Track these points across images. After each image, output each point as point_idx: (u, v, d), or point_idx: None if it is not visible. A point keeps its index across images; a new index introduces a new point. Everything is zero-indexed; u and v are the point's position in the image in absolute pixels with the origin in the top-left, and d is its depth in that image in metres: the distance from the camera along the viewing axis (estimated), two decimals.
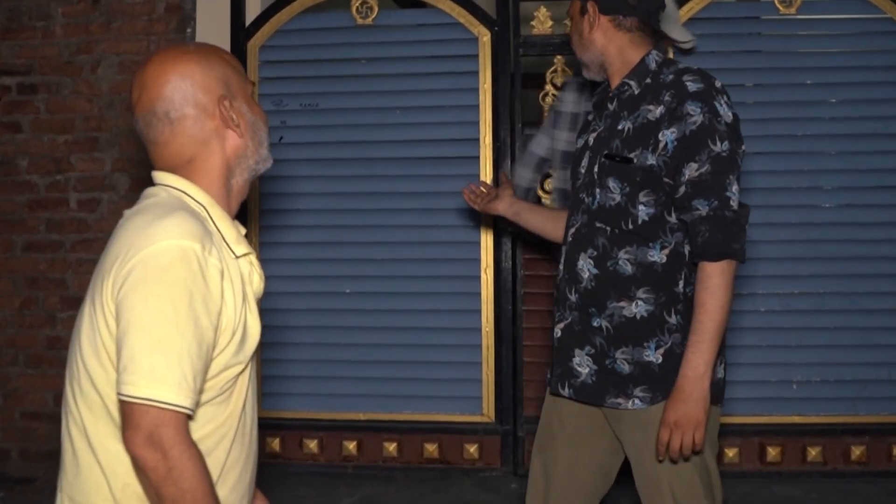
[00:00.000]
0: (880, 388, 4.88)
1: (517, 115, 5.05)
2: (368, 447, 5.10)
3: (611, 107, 2.91)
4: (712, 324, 2.66)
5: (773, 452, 4.90)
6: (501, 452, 5.04)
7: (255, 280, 2.02)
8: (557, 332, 2.95)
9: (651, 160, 2.74)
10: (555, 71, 5.07)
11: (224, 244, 1.95)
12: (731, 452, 4.91)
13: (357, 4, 5.16)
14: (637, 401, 2.79)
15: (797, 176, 4.89)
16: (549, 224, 3.33)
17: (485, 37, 5.05)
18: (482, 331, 5.02)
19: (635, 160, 2.76)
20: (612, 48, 2.91)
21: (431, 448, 5.06)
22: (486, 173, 4.99)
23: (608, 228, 2.82)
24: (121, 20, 5.43)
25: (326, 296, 5.07)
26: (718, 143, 2.69)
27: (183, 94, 1.97)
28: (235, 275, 1.93)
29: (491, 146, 4.99)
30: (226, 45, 5.21)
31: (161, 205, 1.89)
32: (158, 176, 2.00)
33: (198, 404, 1.85)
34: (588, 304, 2.85)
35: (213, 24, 5.28)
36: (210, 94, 1.98)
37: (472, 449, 5.04)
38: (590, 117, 3.10)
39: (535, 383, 5.01)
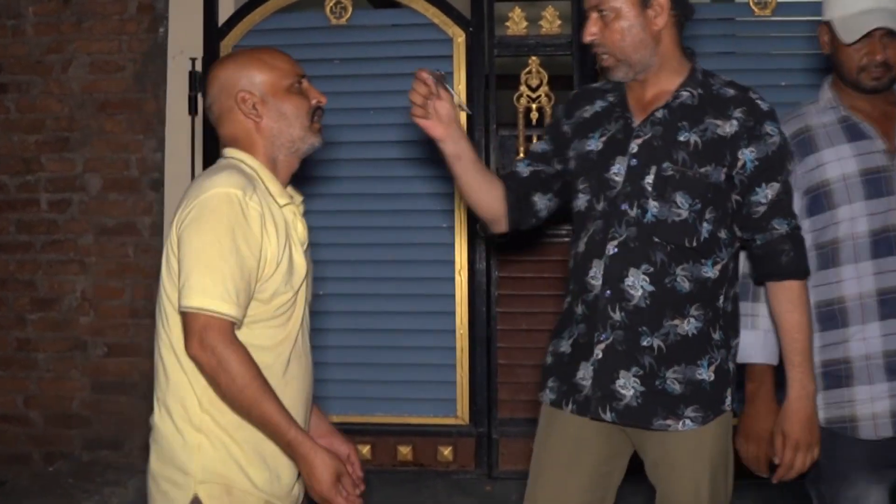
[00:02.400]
0: None
1: (492, 116, 5.02)
2: None
3: (658, 114, 2.76)
4: (808, 341, 2.74)
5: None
6: (476, 455, 5.02)
7: (299, 227, 2.58)
8: (598, 353, 2.72)
9: (722, 177, 2.70)
10: (529, 72, 5.05)
11: (269, 196, 2.47)
12: None
13: (331, 4, 5.13)
14: (688, 421, 2.72)
15: None
16: (485, 195, 2.98)
17: (459, 37, 5.03)
18: (456, 333, 4.99)
19: (711, 176, 2.70)
20: (674, 48, 2.84)
21: (405, 451, 5.04)
22: None
23: (668, 245, 2.70)
24: (92, 19, 5.39)
25: None
26: (788, 164, 2.79)
27: (217, 93, 2.56)
28: (279, 219, 2.46)
29: None
30: (198, 44, 5.19)
31: (218, 167, 2.48)
32: (223, 150, 2.59)
33: (244, 317, 2.36)
34: (639, 323, 2.70)
35: (185, 24, 5.26)
36: (233, 92, 2.52)
37: (447, 451, 5.02)
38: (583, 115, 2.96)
39: (510, 385, 5.00)
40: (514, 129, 5.05)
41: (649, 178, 2.71)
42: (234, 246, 2.30)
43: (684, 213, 2.68)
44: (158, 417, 2.49)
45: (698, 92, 2.78)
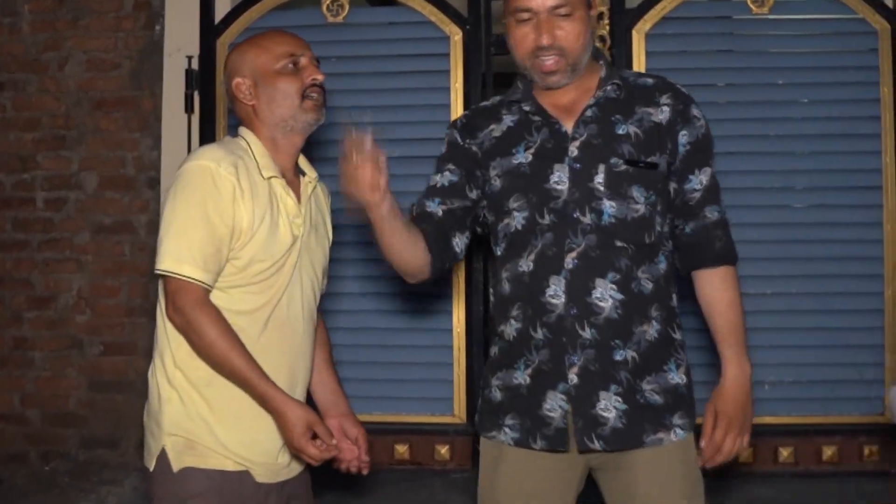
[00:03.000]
0: (851, 388, 4.88)
1: None
2: None
3: (589, 112, 2.66)
4: (743, 321, 2.73)
5: (744, 453, 4.89)
6: (473, 453, 5.02)
7: (289, 202, 2.66)
8: (572, 377, 2.57)
9: (665, 165, 2.67)
10: None
11: (257, 170, 2.61)
12: None
13: (328, 2, 5.12)
14: (678, 430, 2.66)
15: (768, 176, 4.89)
16: (411, 251, 2.74)
17: (456, 36, 5.02)
18: (453, 331, 4.99)
19: (659, 165, 2.65)
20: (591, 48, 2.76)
21: (402, 449, 5.03)
22: None
23: (630, 246, 2.61)
24: (88, 17, 5.38)
25: None
26: (713, 148, 2.77)
27: (226, 78, 2.76)
28: (262, 190, 2.59)
29: None
30: (194, 42, 5.18)
31: (213, 143, 2.79)
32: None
33: (215, 280, 2.52)
34: (611, 337, 2.59)
35: (182, 21, 5.24)
36: (231, 80, 2.72)
37: (444, 450, 5.02)
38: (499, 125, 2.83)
39: None
40: None
41: (599, 178, 2.61)
42: (205, 214, 2.47)
43: (641, 208, 2.62)
44: (149, 372, 2.70)
45: (620, 84, 2.71)
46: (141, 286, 5.31)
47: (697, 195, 2.67)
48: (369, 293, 4.98)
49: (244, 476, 2.60)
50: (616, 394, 2.58)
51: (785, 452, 4.89)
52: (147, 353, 5.25)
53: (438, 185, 2.90)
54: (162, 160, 5.27)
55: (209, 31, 5.19)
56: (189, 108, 5.20)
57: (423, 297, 5.04)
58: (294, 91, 2.67)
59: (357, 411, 4.95)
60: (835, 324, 4.87)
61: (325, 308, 4.98)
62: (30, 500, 4.74)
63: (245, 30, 5.13)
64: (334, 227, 3.07)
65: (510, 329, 2.72)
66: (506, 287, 2.72)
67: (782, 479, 4.87)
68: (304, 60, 2.73)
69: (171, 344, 2.58)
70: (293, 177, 2.78)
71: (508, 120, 2.81)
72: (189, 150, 5.15)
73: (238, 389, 2.55)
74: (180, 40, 5.24)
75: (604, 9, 4.97)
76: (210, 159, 2.52)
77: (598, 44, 4.97)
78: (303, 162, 2.86)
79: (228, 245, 2.52)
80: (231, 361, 2.46)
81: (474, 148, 2.84)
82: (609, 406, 2.58)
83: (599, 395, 2.58)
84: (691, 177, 2.66)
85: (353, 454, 2.82)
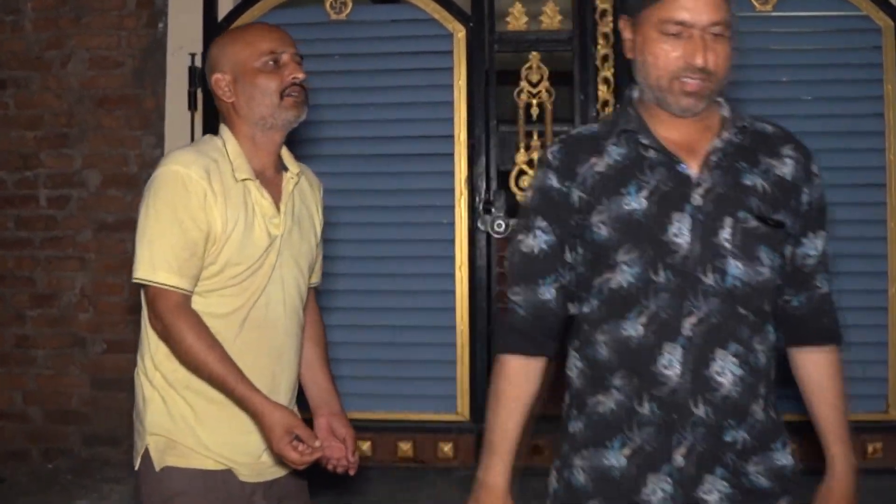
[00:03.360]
0: (855, 386, 4.81)
1: (492, 111, 5.02)
2: None
3: (716, 156, 2.24)
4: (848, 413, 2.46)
5: None
6: (476, 451, 5.00)
7: (264, 203, 2.55)
8: (678, 459, 2.22)
9: (789, 225, 2.29)
10: (530, 67, 5.04)
11: (230, 172, 2.51)
12: None
13: (331, 0, 5.11)
14: None
15: None
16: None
17: (459, 33, 5.01)
18: (457, 329, 4.98)
19: (786, 225, 2.26)
20: None
21: (405, 447, 5.03)
22: (461, 170, 4.96)
23: (751, 313, 2.23)
24: (91, 15, 5.38)
25: None
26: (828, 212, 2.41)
27: (207, 72, 2.65)
28: (235, 193, 2.50)
29: (465, 143, 4.96)
30: (197, 40, 5.17)
31: (188, 144, 2.82)
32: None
33: (194, 285, 2.46)
34: (725, 416, 2.24)
35: (185, 19, 5.24)
36: (211, 73, 2.62)
37: (447, 448, 5.02)
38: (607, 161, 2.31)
39: None
40: (515, 125, 5.05)
41: (725, 234, 2.20)
42: (177, 219, 2.41)
43: (767, 272, 2.24)
44: (135, 373, 2.67)
45: (741, 126, 2.31)
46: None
47: (812, 262, 2.34)
48: (372, 291, 4.98)
49: (227, 475, 2.54)
50: (722, 477, 2.25)
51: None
52: None
53: (538, 254, 2.35)
54: None
55: (212, 28, 5.19)
56: (192, 106, 5.20)
57: (426, 295, 5.04)
58: (273, 89, 2.57)
59: (361, 409, 4.98)
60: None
61: (328, 305, 4.98)
62: (32, 497, 4.74)
63: None
64: (328, 222, 2.94)
65: (608, 401, 2.32)
66: (603, 352, 2.30)
67: None
68: (285, 57, 2.63)
69: (150, 346, 2.56)
70: (275, 174, 2.66)
71: (615, 153, 2.30)
72: None
73: (216, 391, 2.50)
74: (183, 38, 5.24)
75: (607, 6, 4.97)
76: (180, 163, 2.44)
77: (600, 42, 4.98)
78: (286, 157, 2.74)
79: (204, 248, 2.46)
80: (208, 366, 2.41)
81: (576, 193, 2.30)
82: (713, 489, 2.25)
83: (705, 478, 2.25)
84: (807, 241, 2.33)
85: (340, 453, 2.70)
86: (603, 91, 4.97)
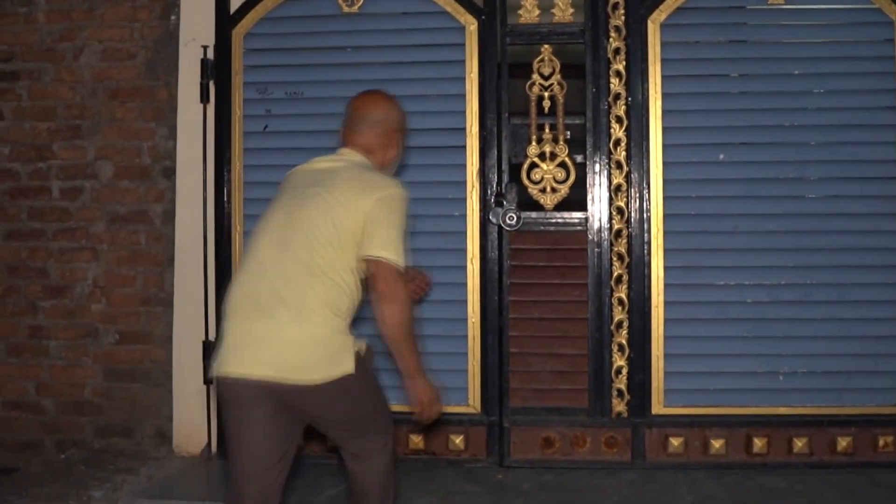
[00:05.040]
0: (866, 378, 4.88)
1: (504, 104, 5.02)
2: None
3: None
4: None
5: (759, 443, 4.89)
6: (487, 443, 5.02)
7: None
8: None
9: None
10: (542, 60, 5.04)
11: None
12: (717, 444, 4.91)
13: None
14: None
15: (783, 167, 4.89)
16: None
17: (472, 25, 5.02)
18: (468, 321, 5.00)
19: None
20: None
21: (416, 439, 5.05)
22: (473, 163, 4.97)
23: None
24: (104, 7, 5.39)
25: None
26: None
27: (387, 118, 3.65)
28: None
29: (477, 136, 4.97)
30: (210, 32, 5.20)
31: (366, 165, 3.54)
32: (348, 150, 3.60)
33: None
34: None
35: (197, 11, 5.26)
36: (393, 125, 3.66)
37: (458, 440, 5.03)
38: None
39: (522, 374, 5.00)
40: (527, 118, 5.04)
41: None
42: (404, 225, 3.45)
43: None
44: (318, 324, 3.29)
45: None
46: (156, 275, 5.33)
47: None
48: None
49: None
50: None
51: (799, 443, 4.89)
52: (162, 342, 5.28)
53: None
54: (177, 150, 5.29)
55: (225, 21, 5.20)
56: (204, 98, 5.21)
57: (437, 287, 5.03)
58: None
59: None
60: (850, 314, 4.87)
61: None
62: (45, 488, 4.76)
63: (260, 20, 5.15)
64: None
65: None
66: None
67: (797, 469, 4.87)
68: None
69: (344, 306, 3.35)
70: None
71: None
72: (204, 140, 5.19)
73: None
74: (196, 30, 5.25)
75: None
76: (402, 186, 3.45)
77: (612, 35, 4.98)
78: None
79: None
80: (412, 329, 3.40)
81: None
82: None
83: None
84: None
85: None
86: (615, 84, 4.96)
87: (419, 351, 3.41)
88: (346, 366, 3.30)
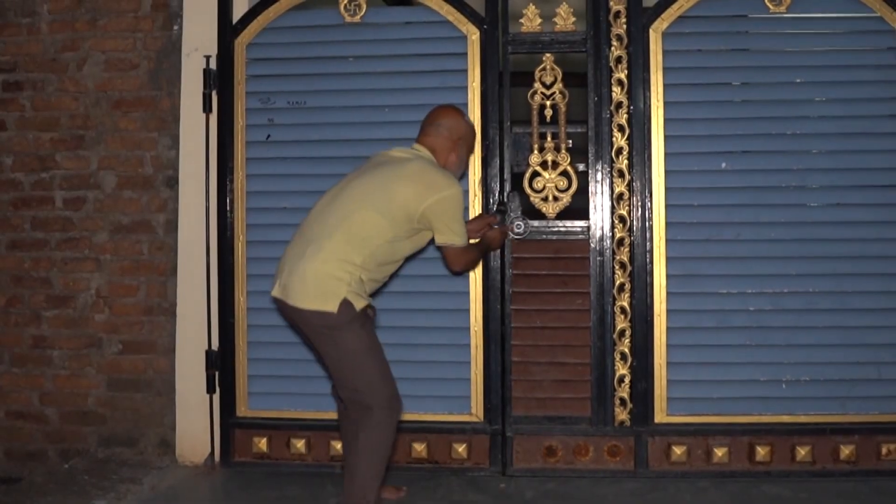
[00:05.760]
0: (869, 386, 4.87)
1: (506, 113, 5.03)
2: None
3: None
4: None
5: (762, 452, 4.89)
6: (490, 452, 5.02)
7: None
8: None
9: None
10: (543, 69, 5.04)
11: None
12: (720, 452, 4.90)
13: (345, 2, 5.13)
14: None
15: (785, 175, 4.89)
16: None
17: (473, 35, 5.02)
18: (471, 330, 5.00)
19: None
20: None
21: (419, 448, 5.04)
22: (475, 172, 4.97)
23: None
24: (107, 17, 5.40)
25: None
26: None
27: (451, 126, 4.34)
28: None
29: (479, 145, 4.97)
30: (212, 42, 5.21)
31: (432, 162, 4.25)
32: (419, 146, 4.33)
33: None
34: None
35: (200, 22, 5.26)
36: (456, 134, 4.35)
37: (461, 448, 5.02)
38: None
39: (524, 383, 5.00)
40: (528, 127, 5.04)
41: None
42: (462, 216, 4.22)
43: None
44: (334, 264, 3.97)
45: None
46: (159, 285, 5.33)
47: None
48: (386, 292, 4.98)
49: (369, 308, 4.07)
50: None
51: (802, 451, 4.88)
52: (165, 352, 5.29)
53: None
54: (180, 160, 5.29)
55: (227, 31, 5.21)
56: (207, 108, 5.22)
57: (440, 296, 5.05)
58: (464, 164, 4.47)
59: None
60: (852, 322, 4.87)
61: None
62: (49, 498, 4.76)
63: (263, 29, 5.16)
64: None
65: None
66: None
67: (800, 477, 4.86)
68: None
69: (370, 264, 4.01)
70: None
71: None
72: (207, 150, 5.20)
73: (374, 281, 4.14)
74: (198, 40, 5.26)
75: (621, 7, 4.98)
76: (460, 185, 4.16)
77: (614, 43, 4.98)
78: None
79: None
80: (475, 261, 4.54)
81: None
82: None
83: None
84: None
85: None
86: (617, 92, 4.97)
87: (480, 249, 4.57)
88: (330, 304, 3.90)
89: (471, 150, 4.52)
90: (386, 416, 4.07)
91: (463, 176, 4.51)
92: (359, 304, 3.95)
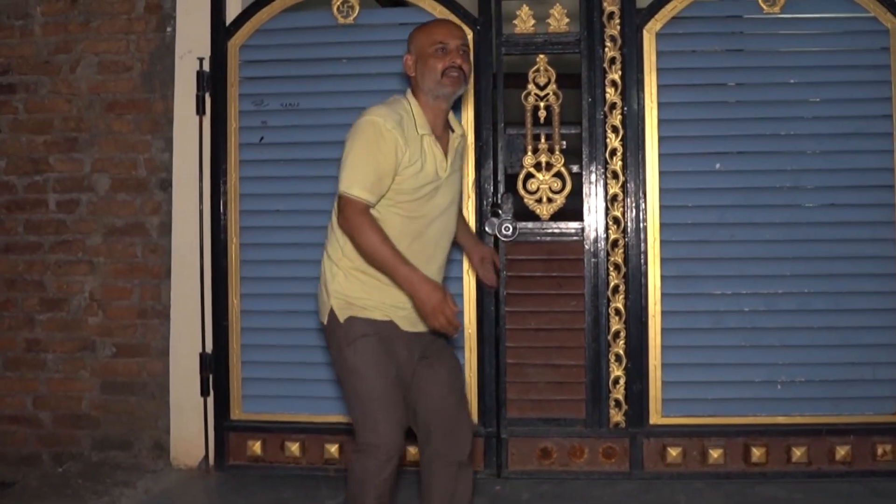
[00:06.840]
0: (864, 387, 4.87)
1: (500, 114, 5.02)
2: (350, 450, 5.05)
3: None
4: None
5: (757, 453, 4.89)
6: (484, 454, 5.01)
7: (437, 152, 3.56)
8: None
9: None
10: (537, 70, 5.04)
11: (413, 126, 3.52)
12: (715, 453, 4.90)
13: (338, 3, 5.12)
14: None
15: (780, 175, 4.89)
16: None
17: (467, 35, 5.01)
18: (465, 332, 4.99)
19: None
20: None
21: (414, 451, 5.02)
22: (468, 173, 4.96)
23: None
24: (100, 19, 5.39)
25: (308, 298, 5.00)
26: None
27: (408, 47, 3.70)
28: (416, 142, 3.49)
29: (473, 146, 4.97)
30: (206, 44, 5.20)
31: (385, 101, 3.61)
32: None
33: (377, 201, 3.44)
34: None
35: (193, 23, 5.25)
36: (412, 48, 3.66)
37: None
38: None
39: (519, 385, 4.99)
40: (522, 128, 5.03)
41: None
42: (370, 153, 3.38)
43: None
44: (322, 260, 3.66)
45: None
46: (153, 288, 5.32)
47: None
48: None
49: (390, 323, 3.54)
50: None
51: (798, 452, 4.88)
52: (159, 355, 5.28)
53: None
54: (173, 162, 5.28)
55: (220, 32, 5.20)
56: (200, 110, 5.21)
57: None
58: (437, 69, 3.52)
59: None
60: (847, 323, 4.87)
61: None
62: (42, 501, 4.75)
63: (256, 31, 5.15)
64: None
65: None
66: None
67: (795, 478, 4.86)
68: (451, 46, 3.55)
69: (339, 241, 3.53)
70: (443, 132, 3.66)
71: None
72: (200, 152, 5.18)
73: (379, 276, 3.48)
74: (191, 42, 5.25)
75: (615, 8, 4.97)
76: (377, 115, 3.43)
77: (608, 44, 4.98)
78: (452, 120, 3.77)
79: (391, 177, 3.43)
80: (379, 252, 3.33)
81: None
82: None
83: None
84: None
85: (491, 274, 4.23)
86: (611, 93, 4.97)
87: (401, 263, 3.34)
88: (322, 315, 3.65)
89: (434, 46, 3.52)
90: (354, 460, 3.59)
91: (458, 95, 3.64)
92: (343, 314, 3.51)
